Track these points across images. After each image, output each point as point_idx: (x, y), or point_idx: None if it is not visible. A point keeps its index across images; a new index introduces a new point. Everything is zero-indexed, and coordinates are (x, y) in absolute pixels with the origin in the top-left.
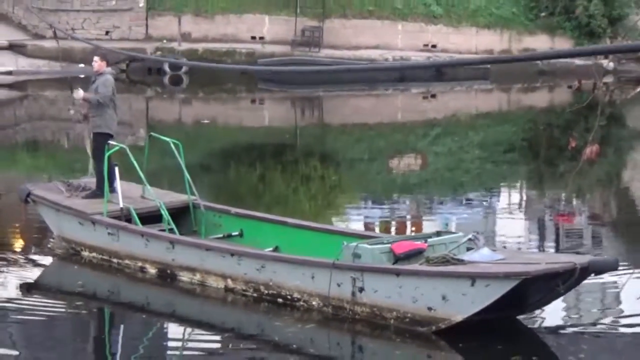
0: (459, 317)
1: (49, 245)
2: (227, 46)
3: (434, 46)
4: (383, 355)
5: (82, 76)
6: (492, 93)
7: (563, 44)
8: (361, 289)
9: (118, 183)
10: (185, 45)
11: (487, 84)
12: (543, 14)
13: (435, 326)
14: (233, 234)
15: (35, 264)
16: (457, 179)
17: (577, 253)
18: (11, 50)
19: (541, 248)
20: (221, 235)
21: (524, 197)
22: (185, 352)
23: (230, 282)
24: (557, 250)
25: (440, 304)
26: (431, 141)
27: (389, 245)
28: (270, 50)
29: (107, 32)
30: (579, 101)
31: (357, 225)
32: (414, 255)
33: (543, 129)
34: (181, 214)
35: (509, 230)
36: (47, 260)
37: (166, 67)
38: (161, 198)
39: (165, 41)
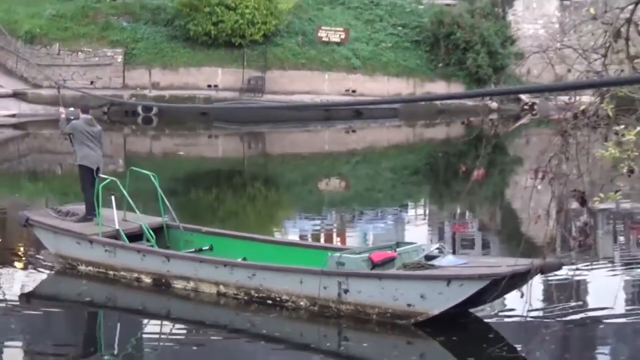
0: (435, 311)
1: (45, 262)
2: (188, 92)
3: (353, 91)
4: (367, 344)
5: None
6: (401, 128)
7: (457, 88)
8: (346, 291)
9: (115, 211)
10: (154, 92)
11: (396, 121)
12: (441, 65)
13: (414, 319)
14: (204, 248)
15: (33, 276)
16: (374, 197)
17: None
18: (15, 97)
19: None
20: (193, 250)
21: (427, 211)
22: (181, 349)
23: (222, 288)
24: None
25: (419, 301)
26: (352, 167)
27: (367, 254)
28: (223, 96)
29: (91, 82)
30: (469, 134)
31: (294, 236)
32: (387, 262)
33: (441, 157)
34: (157, 233)
35: (415, 238)
36: (45, 273)
37: (139, 110)
38: (140, 220)
39: (138, 89)
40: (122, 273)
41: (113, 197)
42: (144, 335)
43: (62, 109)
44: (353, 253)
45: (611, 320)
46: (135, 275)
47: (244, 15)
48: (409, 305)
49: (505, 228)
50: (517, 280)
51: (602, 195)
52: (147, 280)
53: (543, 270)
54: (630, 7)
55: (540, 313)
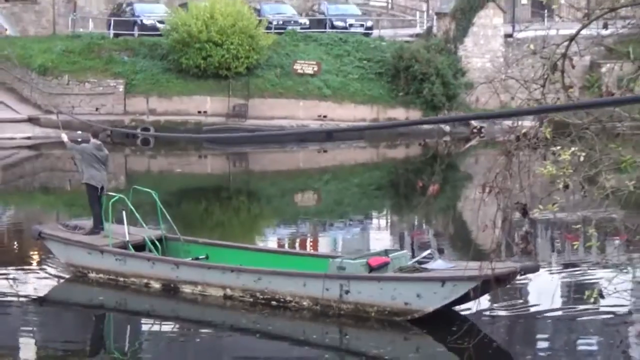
0: (430, 309)
1: (56, 270)
2: (181, 118)
3: (324, 117)
4: (366, 338)
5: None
6: (366, 149)
7: (415, 114)
8: (347, 292)
9: (126, 225)
10: (152, 118)
11: (362, 143)
12: (401, 94)
13: (411, 316)
14: (200, 257)
15: (46, 282)
16: (342, 209)
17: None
18: (29, 122)
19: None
20: (190, 259)
21: (389, 221)
22: (189, 346)
23: (229, 291)
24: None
25: (415, 300)
26: (324, 183)
27: (365, 260)
28: (212, 121)
29: (97, 109)
30: (426, 154)
31: (273, 243)
32: (383, 266)
33: (401, 174)
34: (157, 244)
35: (379, 244)
36: (56, 280)
37: (137, 131)
38: (143, 233)
39: (137, 115)
40: (132, 279)
41: (124, 212)
42: (154, 335)
43: (63, 134)
44: (353, 259)
45: (549, 314)
46: (145, 281)
47: (230, 50)
48: (406, 303)
49: (457, 236)
50: (500, 281)
51: (541, 207)
52: (156, 285)
53: (525, 272)
54: (565, 43)
55: (493, 311)
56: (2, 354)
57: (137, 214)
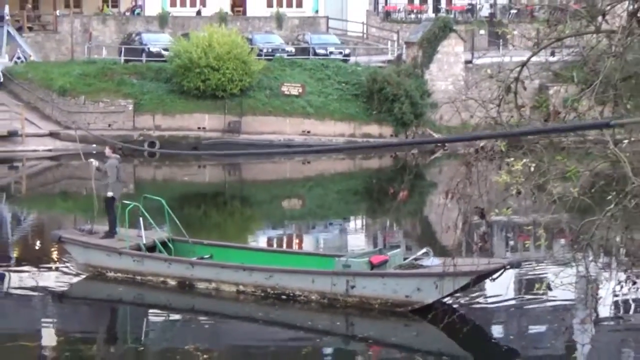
0: (429, 300)
1: (75, 269)
2: (182, 133)
3: (308, 132)
4: (370, 326)
5: (94, 152)
6: (344, 160)
7: (387, 130)
8: (353, 286)
9: (142, 229)
10: (157, 133)
11: (341, 155)
12: (374, 112)
13: (411, 307)
14: (205, 256)
15: (65, 280)
16: (324, 212)
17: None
18: (51, 136)
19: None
20: (195, 259)
21: (364, 223)
22: (204, 335)
23: (241, 287)
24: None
25: (415, 293)
26: (307, 190)
27: (368, 258)
28: (209, 136)
29: (109, 125)
30: (396, 165)
31: (263, 243)
32: (383, 263)
33: (375, 182)
34: (164, 245)
35: (356, 242)
36: (75, 278)
37: (145, 146)
38: (153, 235)
39: (145, 130)
40: (149, 277)
41: (141, 219)
42: (170, 324)
43: (94, 161)
44: (356, 257)
45: (503, 304)
46: (162, 279)
47: (225, 74)
48: (406, 296)
49: (423, 236)
50: (489, 276)
51: (497, 210)
52: (173, 282)
53: (511, 267)
54: (518, 69)
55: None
56: (25, 341)
57: (151, 220)
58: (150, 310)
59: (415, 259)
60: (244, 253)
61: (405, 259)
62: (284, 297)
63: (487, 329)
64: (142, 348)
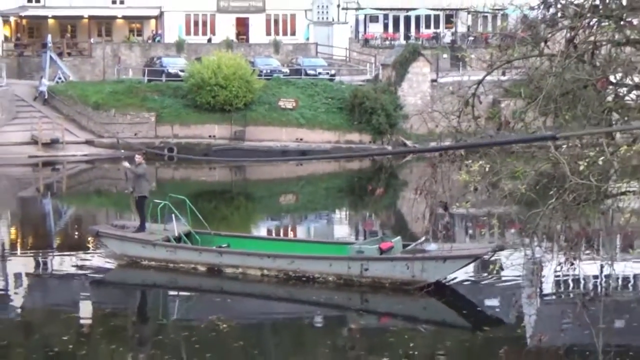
0: (431, 279)
1: (109, 259)
2: (196, 140)
3: (301, 139)
4: (382, 302)
5: (123, 157)
6: (331, 163)
7: (366, 137)
8: (366, 269)
9: (175, 224)
10: (175, 140)
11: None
12: (356, 122)
13: (417, 285)
14: (223, 245)
15: (101, 267)
16: (314, 206)
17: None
18: (86, 144)
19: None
20: (214, 247)
21: (347, 214)
22: (233, 311)
23: (265, 271)
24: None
25: (420, 273)
26: (300, 187)
27: (377, 245)
28: (218, 143)
29: (135, 134)
30: (374, 166)
31: (263, 232)
32: (390, 249)
33: (356, 181)
34: (187, 236)
35: (342, 232)
36: (111, 266)
37: (165, 151)
38: (178, 229)
39: (165, 138)
40: (181, 265)
41: (174, 216)
42: (201, 303)
43: (126, 163)
44: (368, 244)
45: (464, 284)
46: (192, 265)
47: (232, 91)
48: (413, 276)
49: (397, 225)
50: (480, 258)
51: (457, 204)
52: (203, 269)
53: (498, 250)
54: (474, 86)
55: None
56: (67, 314)
57: (179, 216)
58: (182, 293)
59: (417, 245)
60: (256, 242)
61: (405, 245)
62: (304, 279)
63: (459, 303)
64: (170, 321)
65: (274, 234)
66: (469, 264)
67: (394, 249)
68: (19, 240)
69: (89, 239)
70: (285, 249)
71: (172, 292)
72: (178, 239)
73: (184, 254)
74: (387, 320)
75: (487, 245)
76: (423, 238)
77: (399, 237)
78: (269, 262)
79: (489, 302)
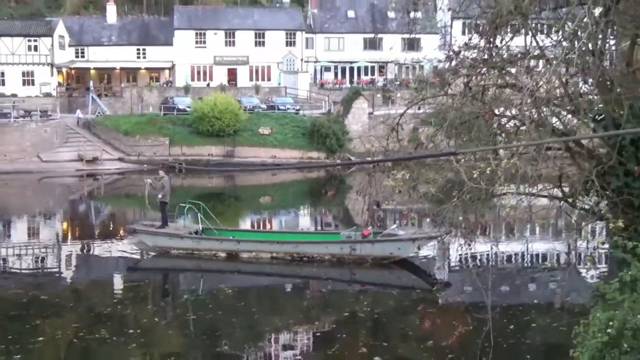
0: (404, 255)
1: (142, 249)
2: (198, 157)
3: (275, 156)
4: (366, 273)
5: (146, 170)
6: (296, 173)
7: (322, 154)
8: (354, 249)
9: (200, 222)
10: (183, 157)
11: (294, 170)
12: (315, 144)
13: (393, 259)
14: (230, 238)
15: (135, 255)
16: (285, 204)
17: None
18: (119, 160)
19: (361, 229)
20: (231, 237)
21: (309, 210)
22: (249, 286)
23: (274, 254)
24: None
25: (396, 250)
26: (275, 191)
27: (360, 232)
28: (215, 159)
29: (154, 153)
30: (328, 175)
31: (249, 222)
32: (369, 235)
33: (315, 186)
34: (203, 231)
35: (305, 222)
36: (146, 255)
37: (177, 165)
38: (193, 227)
39: (176, 156)
40: (204, 252)
41: (198, 215)
42: (221, 284)
43: (148, 180)
44: (354, 231)
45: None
46: (214, 252)
47: (224, 121)
48: (390, 253)
49: (344, 218)
50: (434, 239)
51: (387, 202)
52: (222, 254)
53: (446, 235)
54: (399, 117)
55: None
56: (106, 288)
57: (202, 216)
58: (205, 274)
59: (390, 230)
60: (265, 234)
61: (377, 233)
62: (305, 259)
63: (406, 273)
64: (193, 296)
65: (260, 226)
66: (428, 243)
67: (371, 235)
68: (69, 231)
69: (123, 232)
70: (289, 238)
71: (196, 274)
72: (195, 233)
73: (207, 243)
74: (370, 287)
75: (439, 231)
76: (394, 225)
77: (371, 227)
78: (277, 246)
79: (410, 275)
